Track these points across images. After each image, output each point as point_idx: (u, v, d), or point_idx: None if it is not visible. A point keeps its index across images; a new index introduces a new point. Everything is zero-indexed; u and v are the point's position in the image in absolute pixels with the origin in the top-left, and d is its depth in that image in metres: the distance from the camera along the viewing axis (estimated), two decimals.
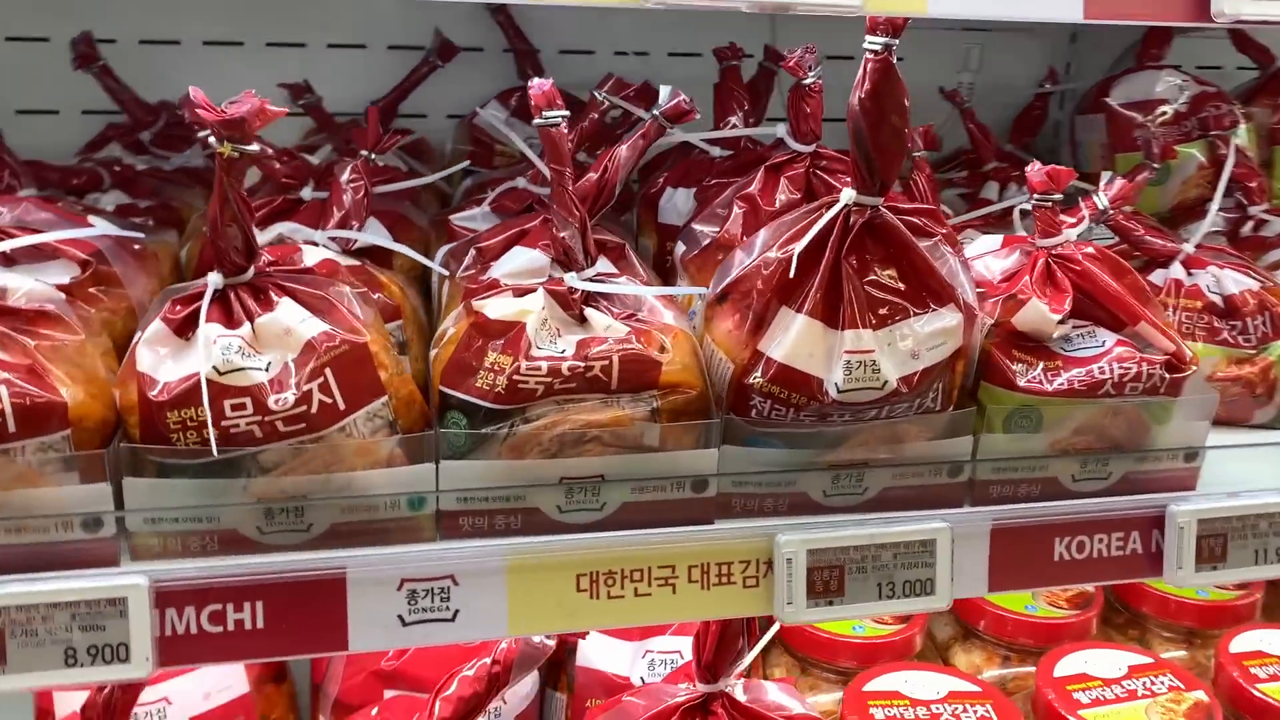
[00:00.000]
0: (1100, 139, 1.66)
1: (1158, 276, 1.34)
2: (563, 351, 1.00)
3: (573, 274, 1.04)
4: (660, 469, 1.02)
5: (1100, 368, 1.09)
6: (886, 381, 1.00)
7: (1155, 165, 1.53)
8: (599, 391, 0.99)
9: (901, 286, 1.01)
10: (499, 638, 1.12)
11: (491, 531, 1.00)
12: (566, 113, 1.01)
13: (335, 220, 1.22)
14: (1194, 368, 1.12)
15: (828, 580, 1.05)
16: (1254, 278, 1.33)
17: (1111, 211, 1.26)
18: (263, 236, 1.19)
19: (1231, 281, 1.32)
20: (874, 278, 1.01)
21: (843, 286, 0.99)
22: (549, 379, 0.98)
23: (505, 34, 1.73)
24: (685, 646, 1.45)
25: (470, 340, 1.00)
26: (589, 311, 1.03)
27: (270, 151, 1.30)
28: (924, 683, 1.44)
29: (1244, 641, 1.52)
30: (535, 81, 1.01)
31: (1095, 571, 1.15)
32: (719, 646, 1.17)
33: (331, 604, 0.96)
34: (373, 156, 1.28)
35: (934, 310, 1.01)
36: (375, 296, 1.13)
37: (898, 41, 0.94)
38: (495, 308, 1.02)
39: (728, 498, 1.06)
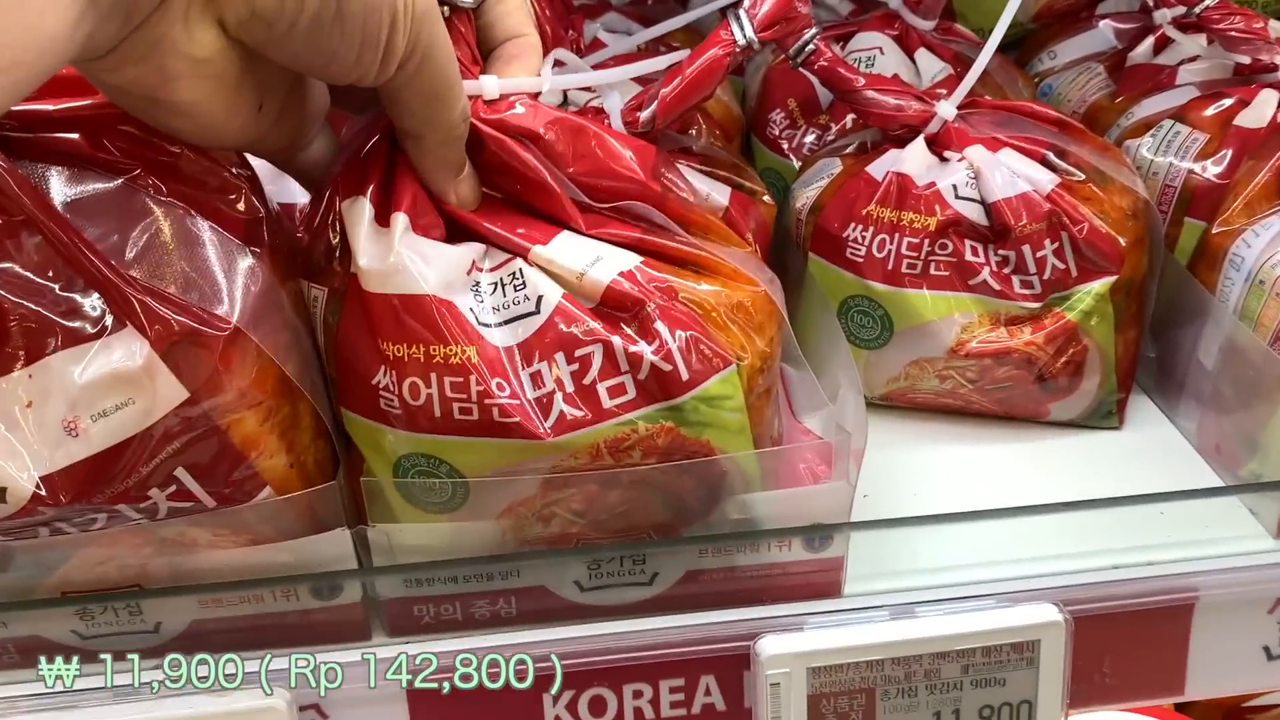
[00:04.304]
0: None
1: (879, 168, 0.75)
2: None
3: None
4: None
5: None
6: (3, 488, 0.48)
7: None
8: None
9: (58, 290, 0.48)
10: None
11: None
12: None
13: None
14: (736, 362, 0.57)
15: None
16: (1052, 166, 0.73)
17: (759, 45, 0.67)
18: None
19: (1006, 176, 0.72)
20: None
21: None
22: None
23: None
24: None
25: None
26: None
27: None
28: None
29: None
30: None
31: None
32: None
33: None
34: None
35: (103, 335, 0.48)
36: None
37: None
38: None
39: None
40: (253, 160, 0.60)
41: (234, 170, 0.53)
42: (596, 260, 0.58)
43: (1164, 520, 0.69)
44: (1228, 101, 0.79)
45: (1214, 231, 0.72)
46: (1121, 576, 0.65)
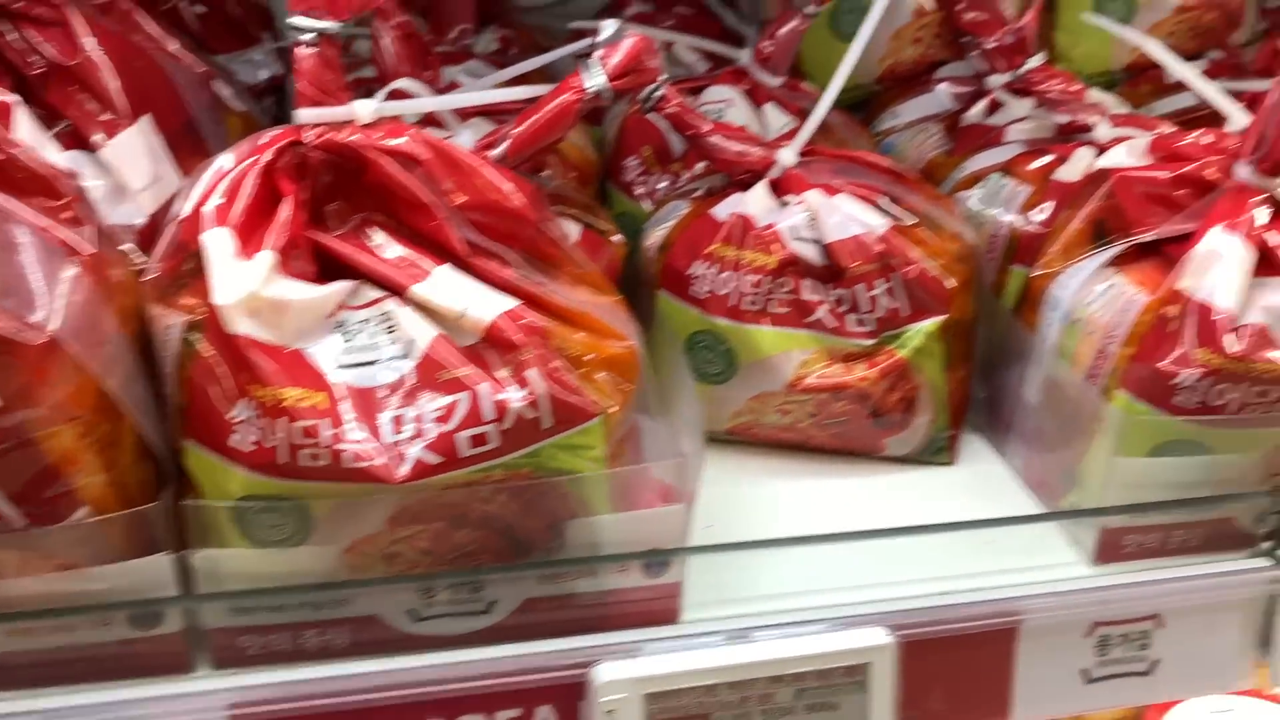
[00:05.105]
0: None
1: (723, 209, 0.78)
2: None
3: None
4: None
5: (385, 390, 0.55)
6: None
7: (809, 8, 0.95)
8: None
9: None
10: None
11: None
12: None
13: None
14: (602, 414, 0.58)
15: None
16: (885, 211, 0.77)
17: (612, 91, 0.69)
18: None
19: (841, 219, 0.75)
20: None
21: None
22: None
23: None
24: None
25: None
26: None
27: None
28: None
29: None
30: None
31: None
32: None
33: None
34: None
35: None
36: None
37: None
38: None
39: None
40: (93, 176, 0.58)
41: (64, 180, 0.52)
42: (477, 299, 0.58)
43: (991, 548, 0.72)
44: (1048, 158, 0.85)
45: (1033, 275, 0.76)
46: (949, 601, 0.67)
